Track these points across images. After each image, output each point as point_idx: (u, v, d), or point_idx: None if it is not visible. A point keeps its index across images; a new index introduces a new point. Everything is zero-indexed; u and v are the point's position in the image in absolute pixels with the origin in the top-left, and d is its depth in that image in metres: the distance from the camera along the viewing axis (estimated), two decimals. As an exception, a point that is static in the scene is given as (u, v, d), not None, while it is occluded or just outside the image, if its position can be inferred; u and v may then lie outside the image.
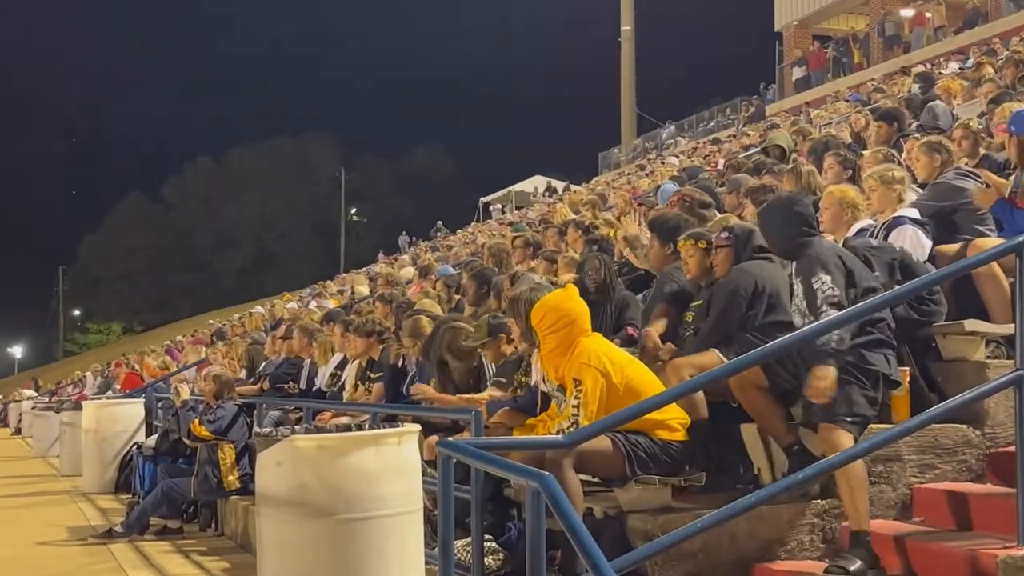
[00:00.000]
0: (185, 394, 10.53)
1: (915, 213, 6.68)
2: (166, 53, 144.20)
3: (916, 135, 10.00)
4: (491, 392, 7.03)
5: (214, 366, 12.17)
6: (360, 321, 9.60)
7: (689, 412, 5.63)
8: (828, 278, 5.27)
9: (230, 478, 9.72)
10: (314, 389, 10.57)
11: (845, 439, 5.08)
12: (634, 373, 5.57)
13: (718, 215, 8.32)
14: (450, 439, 4.65)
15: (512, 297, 6.57)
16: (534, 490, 3.57)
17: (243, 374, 13.01)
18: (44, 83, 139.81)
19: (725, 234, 6.41)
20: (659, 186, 15.78)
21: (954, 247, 6.61)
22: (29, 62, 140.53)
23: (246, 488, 9.39)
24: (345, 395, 9.53)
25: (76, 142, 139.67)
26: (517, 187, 52.50)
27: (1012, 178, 6.79)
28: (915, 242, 6.44)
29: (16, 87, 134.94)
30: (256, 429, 6.66)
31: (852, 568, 4.94)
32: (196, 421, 9.74)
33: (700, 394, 5.72)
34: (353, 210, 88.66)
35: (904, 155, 8.82)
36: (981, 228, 6.82)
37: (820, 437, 5.19)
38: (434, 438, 6.71)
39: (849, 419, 5.13)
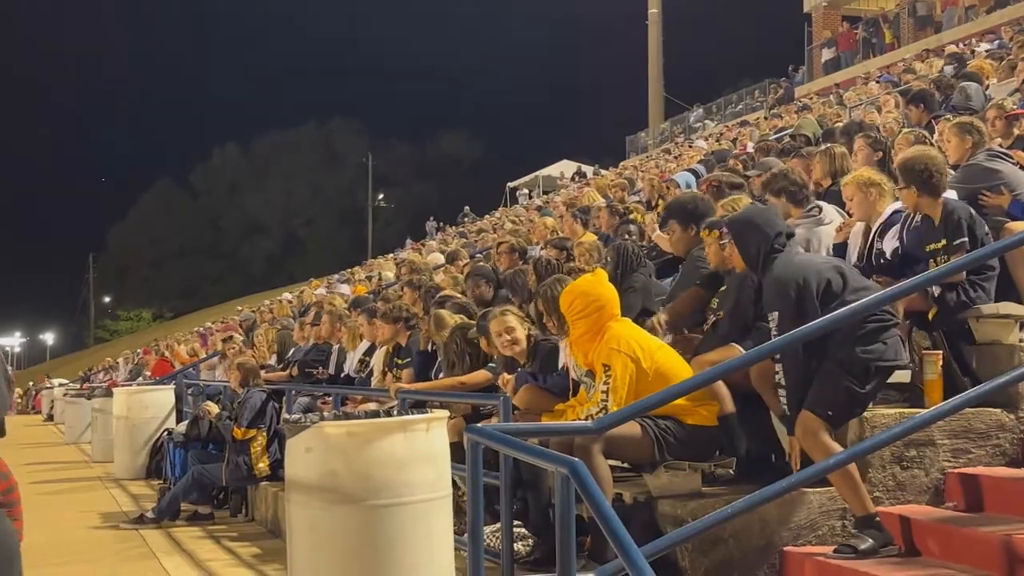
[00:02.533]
0: (215, 410, 10.67)
1: (952, 195, 6.58)
2: (195, 42, 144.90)
3: (948, 116, 9.87)
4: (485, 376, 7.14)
5: (239, 355, 12.18)
6: (387, 308, 9.60)
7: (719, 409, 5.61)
8: (775, 317, 5.21)
9: (260, 465, 9.77)
10: (342, 375, 10.59)
11: (815, 424, 5.05)
12: (664, 359, 5.55)
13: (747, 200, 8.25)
14: (478, 425, 4.63)
15: (541, 289, 6.56)
16: (563, 476, 3.55)
17: (273, 359, 13.04)
18: (71, 70, 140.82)
19: (724, 229, 6.24)
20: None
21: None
22: (57, 51, 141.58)
23: (276, 474, 9.45)
24: (373, 381, 9.54)
25: (106, 130, 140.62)
26: (544, 172, 52.35)
27: None
28: None
29: (43, 76, 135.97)
30: (285, 415, 6.68)
31: (862, 547, 4.92)
32: (236, 427, 9.83)
33: (725, 389, 5.65)
34: (380, 196, 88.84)
35: (936, 136, 8.71)
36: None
37: (797, 421, 5.15)
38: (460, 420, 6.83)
39: (822, 410, 5.07)
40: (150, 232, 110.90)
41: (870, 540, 4.96)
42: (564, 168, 50.57)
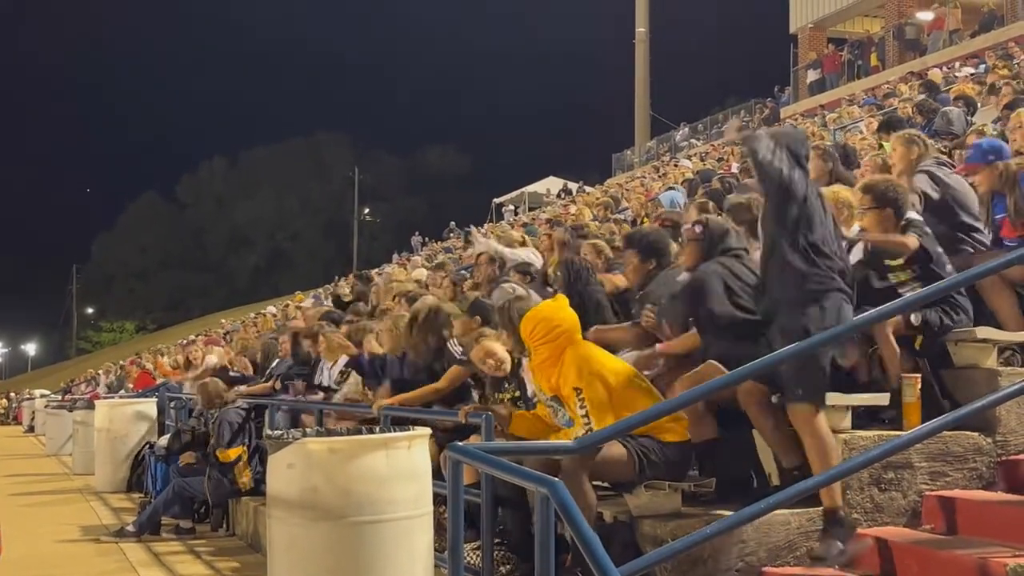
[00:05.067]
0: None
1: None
2: (180, 54, 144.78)
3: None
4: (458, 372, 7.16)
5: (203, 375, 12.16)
6: (354, 328, 9.63)
7: (698, 433, 5.64)
8: None
9: (243, 479, 9.80)
10: (321, 387, 10.50)
11: (807, 411, 5.18)
12: (627, 377, 5.57)
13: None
14: (460, 443, 4.65)
15: (498, 308, 6.59)
16: (543, 496, 3.58)
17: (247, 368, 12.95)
18: (60, 82, 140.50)
19: (698, 228, 6.16)
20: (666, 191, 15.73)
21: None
22: (44, 61, 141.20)
23: (259, 488, 9.46)
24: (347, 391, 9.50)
25: (92, 140, 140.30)
26: (530, 188, 52.42)
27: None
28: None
29: (33, 89, 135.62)
30: (267, 431, 6.70)
31: (831, 554, 5.06)
32: (219, 451, 9.89)
33: (708, 416, 5.70)
34: (366, 210, 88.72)
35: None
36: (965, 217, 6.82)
37: (792, 418, 5.28)
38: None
39: (803, 395, 5.20)
40: (135, 244, 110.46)
41: (837, 543, 5.07)
42: (550, 185, 50.65)
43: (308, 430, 5.76)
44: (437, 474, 5.73)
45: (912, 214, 6.28)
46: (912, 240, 6.04)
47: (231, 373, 12.62)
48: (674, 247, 7.18)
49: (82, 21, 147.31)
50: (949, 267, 6.11)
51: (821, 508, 5.42)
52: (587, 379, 5.41)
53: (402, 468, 5.17)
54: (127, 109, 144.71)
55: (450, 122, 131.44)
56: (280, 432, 5.41)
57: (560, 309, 5.70)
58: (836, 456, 5.24)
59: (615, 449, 5.27)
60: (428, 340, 7.69)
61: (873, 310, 5.39)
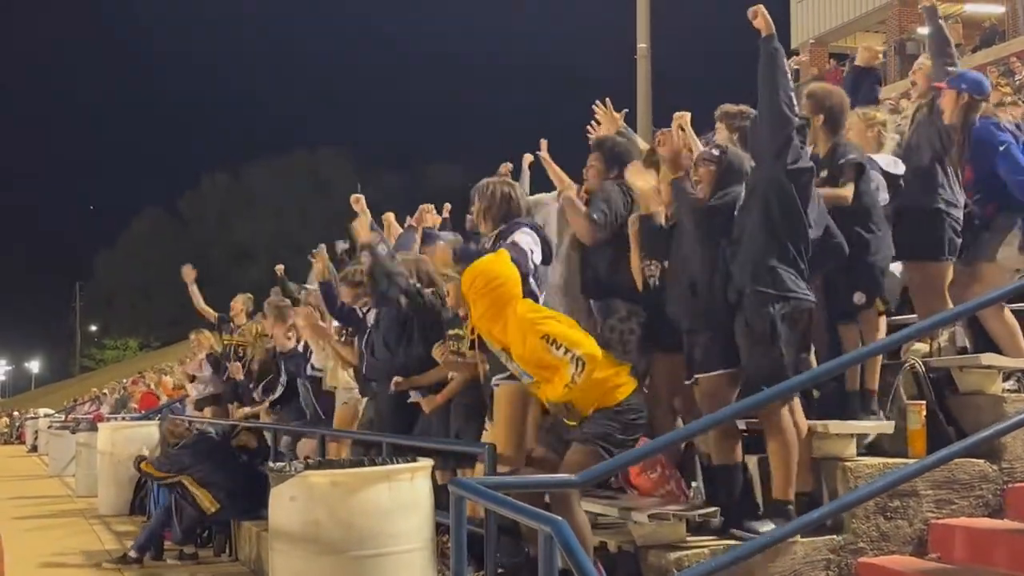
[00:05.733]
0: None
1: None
2: (181, 68, 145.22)
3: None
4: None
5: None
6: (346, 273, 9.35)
7: (721, 454, 5.65)
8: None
9: (206, 503, 9.91)
10: (309, 373, 10.37)
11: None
12: (568, 325, 5.54)
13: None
14: (462, 479, 4.63)
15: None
16: (546, 535, 3.56)
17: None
18: (58, 96, 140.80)
19: (716, 151, 5.89)
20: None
21: None
22: (45, 79, 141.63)
23: (231, 508, 9.86)
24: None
25: (94, 157, 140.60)
26: (532, 198, 52.26)
27: None
28: None
29: (37, 110, 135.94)
30: (269, 464, 6.63)
31: (763, 529, 5.09)
32: (144, 463, 10.34)
33: (733, 439, 5.67)
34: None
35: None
36: None
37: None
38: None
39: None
40: (138, 260, 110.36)
41: (771, 524, 5.15)
42: (550, 199, 50.54)
43: (309, 461, 5.71)
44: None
45: (854, 156, 6.02)
46: (848, 192, 5.89)
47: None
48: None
49: (86, 38, 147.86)
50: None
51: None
52: (554, 325, 5.38)
53: (405, 500, 5.14)
54: (130, 125, 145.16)
55: (452, 138, 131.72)
56: (282, 465, 5.38)
57: (500, 263, 5.65)
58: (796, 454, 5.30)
59: (577, 456, 5.25)
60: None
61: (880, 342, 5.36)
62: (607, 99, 7.65)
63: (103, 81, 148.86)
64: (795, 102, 5.54)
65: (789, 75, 5.59)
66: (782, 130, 5.38)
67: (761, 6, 5.61)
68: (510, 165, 9.96)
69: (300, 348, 10.32)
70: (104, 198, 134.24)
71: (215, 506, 9.89)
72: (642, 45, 26.81)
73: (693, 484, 6.29)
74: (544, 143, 8.68)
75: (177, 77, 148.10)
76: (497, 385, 6.00)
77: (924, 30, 35.13)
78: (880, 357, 5.94)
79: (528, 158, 9.91)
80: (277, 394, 10.82)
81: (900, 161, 6.49)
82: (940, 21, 7.19)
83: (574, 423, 5.39)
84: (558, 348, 5.29)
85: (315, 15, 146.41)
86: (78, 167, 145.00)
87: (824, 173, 5.90)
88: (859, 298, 5.85)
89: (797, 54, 40.71)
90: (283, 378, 10.72)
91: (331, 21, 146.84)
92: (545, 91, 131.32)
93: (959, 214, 6.46)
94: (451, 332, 7.07)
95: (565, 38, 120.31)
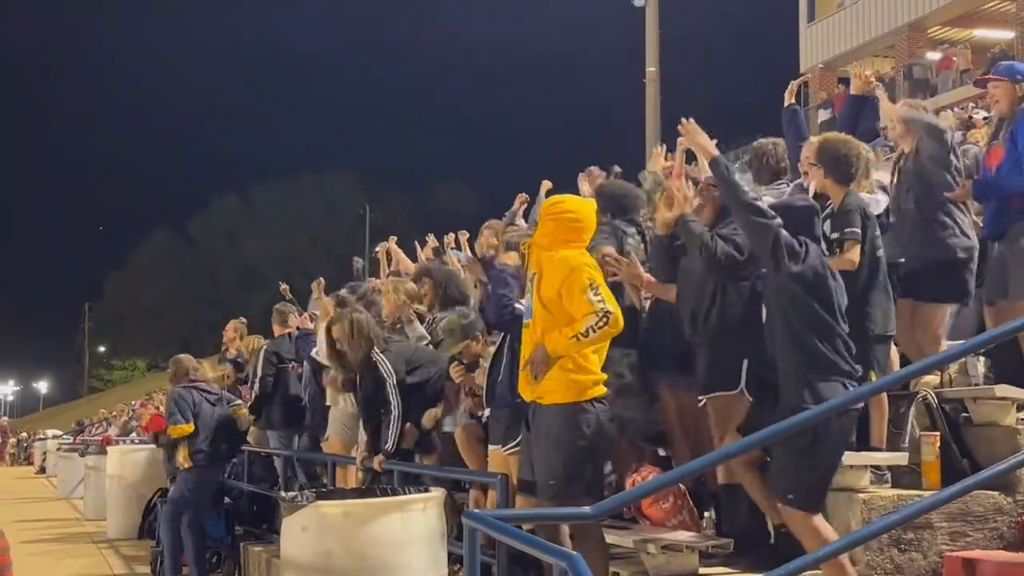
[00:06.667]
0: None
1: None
2: (193, 91, 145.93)
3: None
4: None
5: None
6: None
7: (727, 472, 5.66)
8: None
9: (179, 458, 10.11)
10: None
11: (800, 516, 5.02)
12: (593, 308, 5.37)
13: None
14: (475, 511, 4.61)
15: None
16: (561, 570, 3.54)
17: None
18: (68, 119, 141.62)
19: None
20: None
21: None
22: (55, 100, 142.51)
23: (196, 465, 10.05)
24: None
25: (104, 178, 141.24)
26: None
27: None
28: None
29: (47, 129, 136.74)
30: (281, 494, 6.62)
31: None
32: (172, 427, 10.20)
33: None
34: (377, 248, 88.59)
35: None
36: None
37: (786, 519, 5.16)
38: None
39: (794, 500, 5.02)
40: (147, 281, 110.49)
41: None
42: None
43: (322, 489, 5.70)
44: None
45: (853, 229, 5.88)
46: (855, 256, 5.81)
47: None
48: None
49: (95, 63, 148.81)
50: None
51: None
52: (571, 280, 5.30)
53: (417, 531, 5.13)
54: (140, 146, 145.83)
55: (460, 160, 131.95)
56: (294, 494, 5.37)
57: (588, 207, 5.67)
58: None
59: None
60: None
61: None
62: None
63: (112, 103, 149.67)
64: (763, 207, 5.29)
65: (745, 186, 5.49)
66: (764, 242, 5.20)
67: (689, 124, 5.61)
68: (525, 196, 10.01)
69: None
70: (114, 219, 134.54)
71: (188, 463, 10.10)
72: (651, 69, 26.82)
73: (706, 514, 6.28)
74: (546, 184, 8.93)
75: (187, 100, 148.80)
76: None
77: (933, 55, 35.12)
78: (885, 417, 5.91)
79: (546, 184, 9.99)
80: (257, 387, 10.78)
81: (882, 201, 6.51)
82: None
83: (531, 384, 5.34)
84: (596, 295, 5.25)
85: (326, 36, 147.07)
86: (89, 188, 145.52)
87: (835, 236, 5.87)
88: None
89: (803, 80, 40.77)
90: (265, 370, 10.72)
91: (340, 42, 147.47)
92: (557, 113, 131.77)
93: (975, 251, 6.51)
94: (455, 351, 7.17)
95: (578, 57, 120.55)
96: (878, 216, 6.29)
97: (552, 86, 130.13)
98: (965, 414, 6.23)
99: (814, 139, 6.59)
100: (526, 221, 10.05)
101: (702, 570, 5.61)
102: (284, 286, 12.66)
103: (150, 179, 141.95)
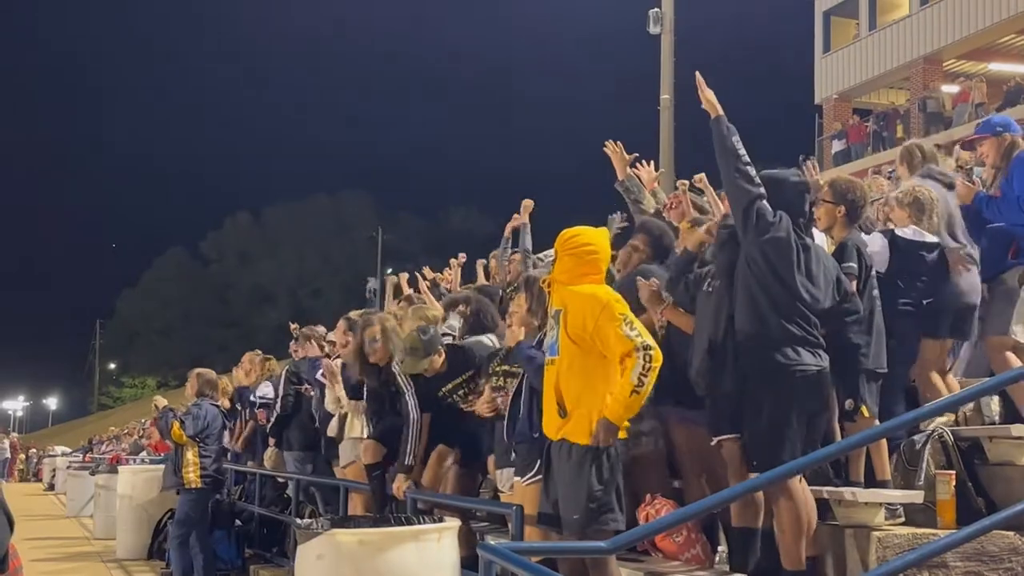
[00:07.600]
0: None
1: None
2: (206, 109, 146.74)
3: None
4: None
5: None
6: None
7: (742, 517, 5.63)
8: None
9: (189, 475, 10.22)
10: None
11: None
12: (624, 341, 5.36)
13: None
14: (491, 543, 4.61)
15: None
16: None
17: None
18: (82, 136, 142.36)
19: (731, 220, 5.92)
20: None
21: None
22: (70, 117, 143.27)
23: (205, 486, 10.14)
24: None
25: (118, 197, 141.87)
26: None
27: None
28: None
29: (55, 143, 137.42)
30: (296, 520, 6.66)
31: None
32: (176, 423, 10.30)
33: (758, 503, 5.66)
34: (389, 270, 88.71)
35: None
36: None
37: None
38: None
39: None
40: (159, 299, 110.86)
41: None
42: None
43: (333, 516, 5.71)
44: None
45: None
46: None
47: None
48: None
49: (107, 82, 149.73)
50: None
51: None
52: (601, 318, 5.29)
53: (432, 561, 5.13)
54: (153, 166, 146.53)
55: (473, 184, 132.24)
56: (309, 521, 5.38)
57: (602, 237, 5.68)
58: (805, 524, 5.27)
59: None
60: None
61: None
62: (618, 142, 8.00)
63: (125, 121, 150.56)
64: (752, 175, 5.53)
65: (741, 151, 5.59)
66: (739, 205, 5.44)
67: (704, 84, 5.89)
68: (531, 203, 10.24)
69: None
70: (127, 237, 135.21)
71: (197, 484, 10.33)
72: (665, 96, 26.92)
73: (719, 548, 6.26)
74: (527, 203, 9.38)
75: (200, 117, 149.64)
76: None
77: (948, 88, 35.10)
78: (885, 449, 5.93)
79: (528, 204, 10.17)
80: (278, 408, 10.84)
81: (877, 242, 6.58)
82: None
83: (556, 423, 5.36)
84: (632, 329, 5.24)
85: (338, 59, 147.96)
86: (103, 206, 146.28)
87: None
88: (848, 404, 5.87)
89: (820, 108, 40.84)
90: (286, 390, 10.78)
91: (352, 64, 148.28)
92: (567, 142, 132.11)
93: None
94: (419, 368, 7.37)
95: (584, 81, 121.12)
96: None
97: (563, 115, 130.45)
98: (980, 452, 6.22)
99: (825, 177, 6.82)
100: (516, 247, 10.16)
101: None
102: (295, 326, 12.69)
103: (164, 197, 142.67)
